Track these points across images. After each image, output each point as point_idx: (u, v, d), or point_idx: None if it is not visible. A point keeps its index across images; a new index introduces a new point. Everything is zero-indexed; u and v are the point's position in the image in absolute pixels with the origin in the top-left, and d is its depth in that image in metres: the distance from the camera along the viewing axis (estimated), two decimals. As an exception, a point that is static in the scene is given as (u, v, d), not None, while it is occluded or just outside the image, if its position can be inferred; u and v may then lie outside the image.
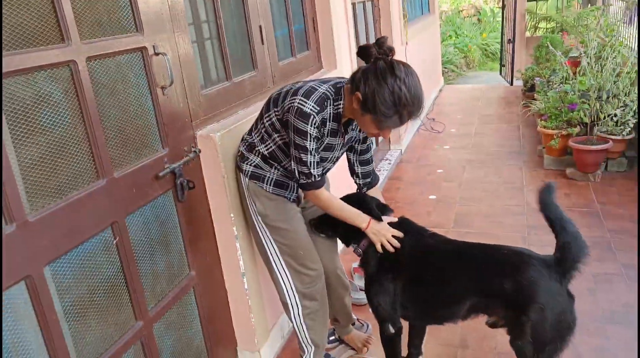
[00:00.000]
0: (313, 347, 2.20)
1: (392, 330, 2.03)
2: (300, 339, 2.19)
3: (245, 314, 2.24)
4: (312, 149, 1.82)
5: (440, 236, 2.01)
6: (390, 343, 2.08)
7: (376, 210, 1.99)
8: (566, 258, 1.76)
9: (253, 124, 2.02)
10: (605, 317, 2.55)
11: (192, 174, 1.99)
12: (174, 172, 1.87)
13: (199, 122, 2.06)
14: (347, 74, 3.55)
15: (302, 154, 1.82)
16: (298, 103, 1.78)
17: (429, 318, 2.10)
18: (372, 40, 4.94)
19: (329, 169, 2.05)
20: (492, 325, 1.97)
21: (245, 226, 2.18)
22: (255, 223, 2.05)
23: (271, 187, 1.99)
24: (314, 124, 1.78)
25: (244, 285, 2.19)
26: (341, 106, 1.87)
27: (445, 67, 10.10)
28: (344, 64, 3.45)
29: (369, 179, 2.20)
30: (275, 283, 2.12)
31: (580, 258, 1.75)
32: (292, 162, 1.86)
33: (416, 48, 6.02)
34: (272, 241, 2.05)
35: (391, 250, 1.95)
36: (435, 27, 8.13)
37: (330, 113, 1.85)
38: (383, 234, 1.96)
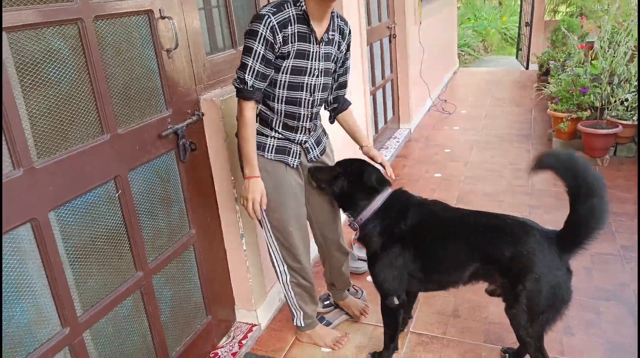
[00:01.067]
0: (301, 312, 2.28)
1: (396, 302, 2.05)
2: (289, 303, 2.28)
3: (243, 274, 2.33)
4: (258, 52, 1.78)
5: (442, 203, 2.05)
6: (393, 314, 2.11)
7: (374, 184, 2.02)
8: (571, 236, 1.78)
9: None
10: (598, 294, 2.59)
11: (195, 137, 2.06)
12: (177, 133, 1.95)
13: (203, 87, 2.12)
14: (358, 53, 3.58)
15: (245, 58, 1.80)
16: (256, 13, 1.82)
17: (433, 286, 2.12)
18: (385, 16, 4.89)
19: (316, 99, 2.00)
20: (491, 293, 2.03)
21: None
22: None
23: (272, 154, 2.02)
24: (267, 24, 1.77)
25: (243, 246, 2.27)
26: (303, 4, 1.84)
27: (462, 51, 10.01)
28: (355, 36, 3.47)
29: (336, 105, 2.22)
30: (269, 252, 2.19)
31: (586, 239, 1.75)
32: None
33: (430, 28, 5.99)
34: (264, 213, 2.07)
35: (250, 215, 1.95)
36: (452, 8, 8.05)
37: (292, 15, 1.83)
38: (246, 195, 1.92)
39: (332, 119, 2.28)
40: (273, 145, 2.02)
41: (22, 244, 1.43)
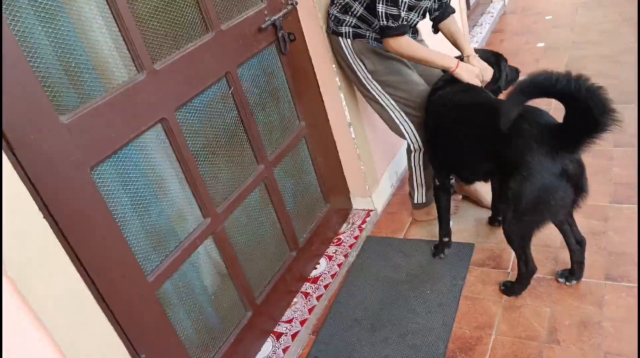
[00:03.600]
0: (423, 188, 2.29)
1: (436, 182, 2.06)
2: (415, 180, 2.29)
3: (354, 163, 2.36)
4: None
5: (486, 94, 1.93)
6: (435, 195, 2.12)
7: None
8: (571, 130, 1.51)
9: None
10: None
11: (291, 27, 2.02)
12: (275, 24, 1.91)
13: (293, -25, 2.04)
14: None
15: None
16: None
17: (458, 173, 2.04)
18: None
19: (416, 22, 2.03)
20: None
21: (346, 78, 2.21)
22: (366, 82, 2.11)
23: (376, 42, 2.03)
24: None
25: (351, 134, 2.27)
26: None
27: None
28: None
29: (440, 9, 2.10)
30: (398, 132, 2.19)
31: (593, 133, 1.44)
32: (380, 4, 1.84)
33: None
34: (386, 95, 2.10)
35: (478, 83, 1.97)
36: None
37: None
38: (472, 70, 1.97)
39: (435, 28, 2.17)
40: (374, 36, 2.04)
41: (156, 143, 1.53)
